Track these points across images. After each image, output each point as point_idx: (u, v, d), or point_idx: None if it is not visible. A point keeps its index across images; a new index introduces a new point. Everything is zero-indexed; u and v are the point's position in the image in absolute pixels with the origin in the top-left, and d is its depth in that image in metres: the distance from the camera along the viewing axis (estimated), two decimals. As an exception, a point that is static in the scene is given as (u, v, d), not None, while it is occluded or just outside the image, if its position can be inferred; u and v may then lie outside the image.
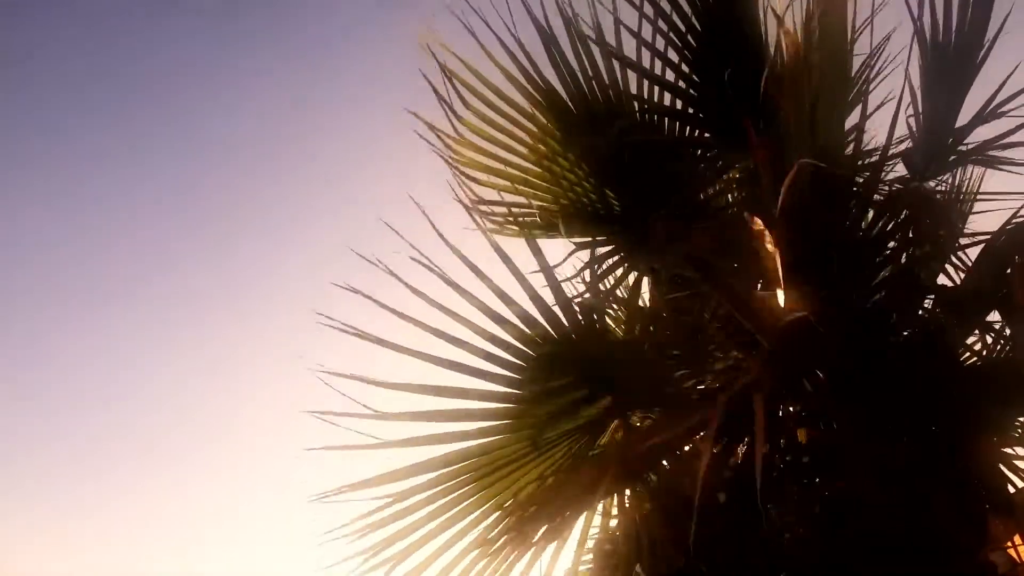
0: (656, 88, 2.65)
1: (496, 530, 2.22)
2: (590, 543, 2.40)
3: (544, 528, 2.24)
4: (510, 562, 2.21)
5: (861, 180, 2.42)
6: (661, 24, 2.53)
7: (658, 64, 2.65)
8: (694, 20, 2.53)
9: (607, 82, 2.61)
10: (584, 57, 2.59)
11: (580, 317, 2.30)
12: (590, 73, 2.60)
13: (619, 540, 2.35)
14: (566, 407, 2.33)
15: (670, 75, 2.64)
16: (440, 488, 2.17)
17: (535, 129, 2.62)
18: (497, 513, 2.21)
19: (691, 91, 2.62)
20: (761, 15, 2.46)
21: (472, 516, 2.22)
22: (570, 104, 2.61)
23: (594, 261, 2.61)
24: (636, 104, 2.65)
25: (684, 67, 2.60)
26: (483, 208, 2.59)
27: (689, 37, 2.54)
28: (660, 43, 2.60)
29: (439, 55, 2.50)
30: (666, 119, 2.69)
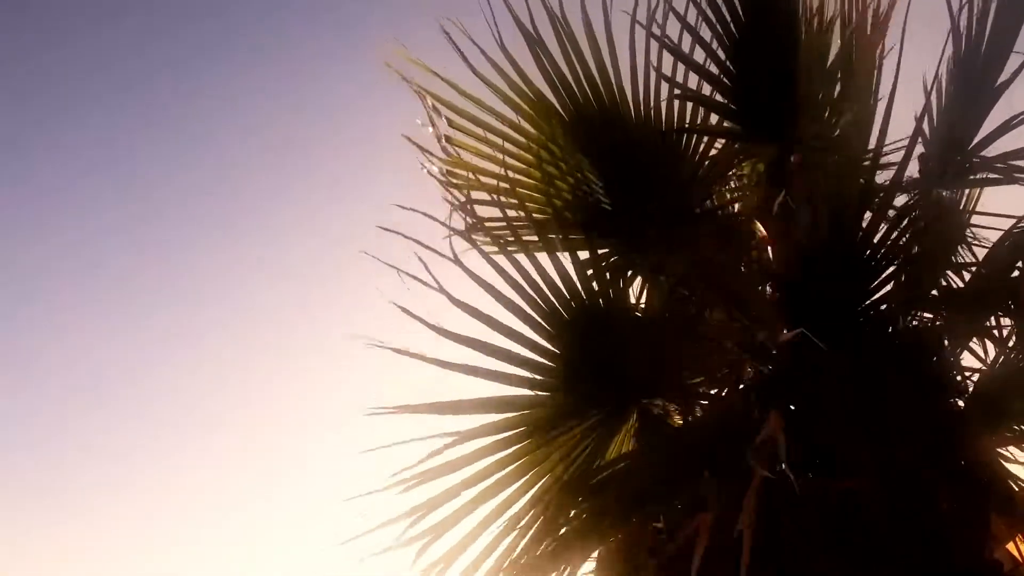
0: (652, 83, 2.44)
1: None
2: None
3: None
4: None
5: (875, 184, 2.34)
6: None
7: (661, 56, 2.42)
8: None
9: (598, 82, 2.39)
10: (574, 57, 2.35)
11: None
12: (580, 74, 2.37)
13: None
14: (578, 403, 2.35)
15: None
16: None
17: (523, 139, 2.43)
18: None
19: (717, 78, 2.42)
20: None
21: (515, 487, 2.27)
22: (560, 109, 2.41)
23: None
24: (631, 101, 2.45)
25: (718, 56, 2.38)
26: (479, 225, 2.41)
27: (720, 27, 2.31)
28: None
29: (417, 74, 2.24)
30: (663, 116, 2.50)
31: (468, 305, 2.16)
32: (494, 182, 2.46)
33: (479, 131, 2.39)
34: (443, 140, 2.33)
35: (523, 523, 2.25)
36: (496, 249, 2.36)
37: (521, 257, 2.22)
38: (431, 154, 2.35)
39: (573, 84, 2.38)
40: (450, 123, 2.34)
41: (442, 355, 2.13)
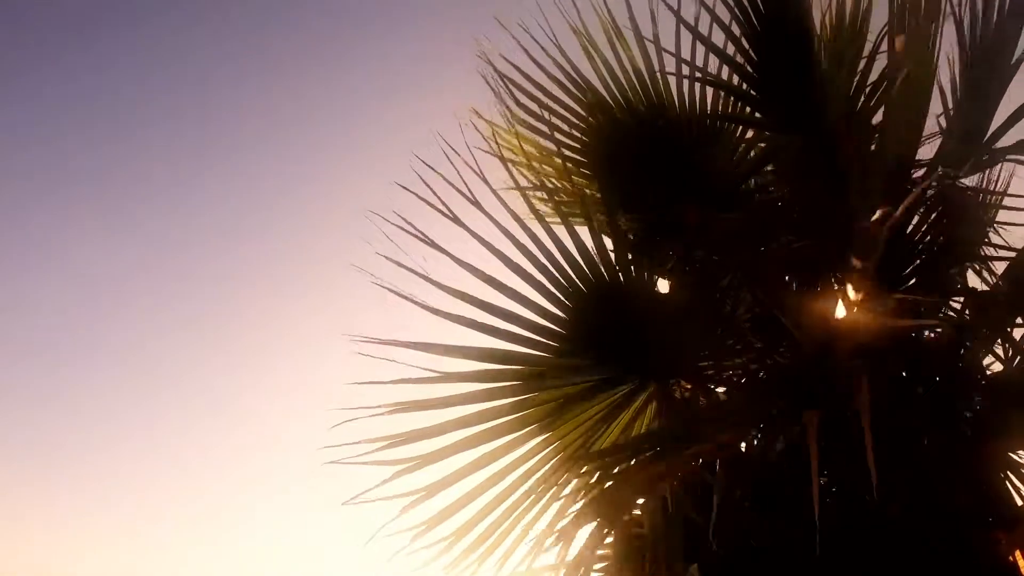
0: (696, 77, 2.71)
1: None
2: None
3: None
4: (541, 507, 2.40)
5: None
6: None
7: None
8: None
9: (646, 77, 2.73)
10: (623, 55, 2.71)
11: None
12: (629, 70, 2.73)
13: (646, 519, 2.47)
14: (596, 382, 2.53)
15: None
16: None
17: (576, 121, 2.80)
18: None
19: (745, 70, 2.61)
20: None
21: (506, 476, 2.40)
22: (608, 99, 2.77)
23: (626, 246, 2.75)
24: (675, 92, 2.73)
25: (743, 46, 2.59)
26: (528, 193, 2.78)
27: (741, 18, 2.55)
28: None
29: (495, 61, 2.72)
30: (697, 107, 2.74)
31: (482, 272, 2.34)
32: (544, 155, 2.86)
33: (534, 106, 2.82)
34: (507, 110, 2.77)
35: (539, 488, 2.38)
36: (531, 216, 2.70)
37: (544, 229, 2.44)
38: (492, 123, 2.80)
39: (620, 76, 2.75)
40: (516, 101, 2.80)
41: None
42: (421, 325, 2.33)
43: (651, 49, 2.70)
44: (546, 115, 2.80)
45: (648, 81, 2.72)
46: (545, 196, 2.80)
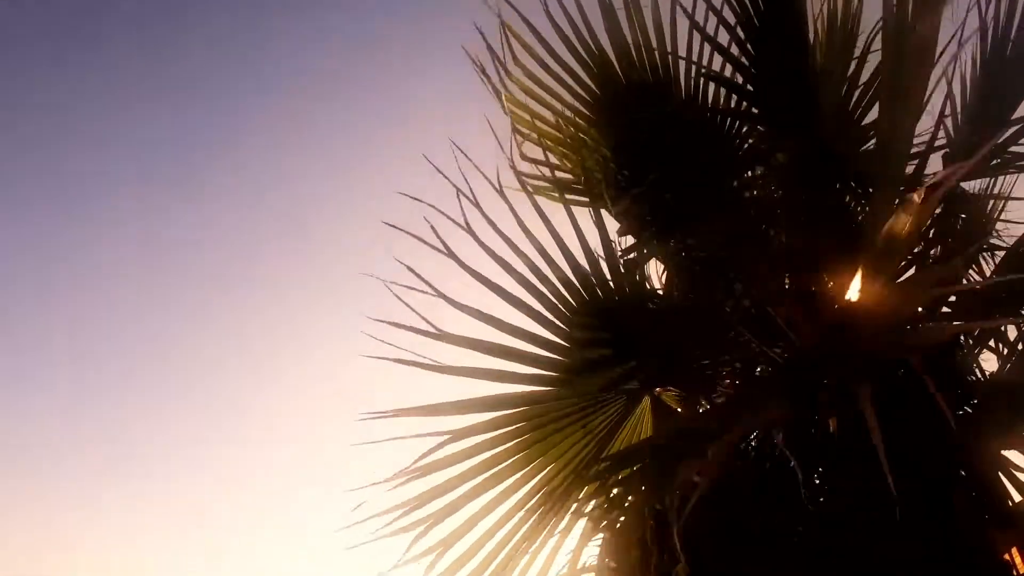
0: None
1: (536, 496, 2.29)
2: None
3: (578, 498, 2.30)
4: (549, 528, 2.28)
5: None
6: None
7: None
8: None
9: (657, 53, 2.59)
10: (636, 24, 2.57)
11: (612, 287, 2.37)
12: (641, 41, 2.58)
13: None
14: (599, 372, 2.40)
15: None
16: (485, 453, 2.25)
17: (582, 92, 2.60)
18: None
19: (743, 64, 2.57)
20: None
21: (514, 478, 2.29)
22: (619, 71, 2.59)
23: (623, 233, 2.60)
24: (683, 77, 2.63)
25: (739, 37, 2.55)
26: (526, 171, 2.54)
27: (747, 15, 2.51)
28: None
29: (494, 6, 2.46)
30: (711, 92, 2.66)
31: (481, 275, 2.25)
32: (544, 127, 2.63)
33: (540, 73, 2.58)
34: (507, 67, 2.51)
35: (530, 505, 2.29)
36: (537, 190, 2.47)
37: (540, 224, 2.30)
38: (488, 78, 2.52)
39: (633, 51, 2.58)
40: (515, 59, 2.54)
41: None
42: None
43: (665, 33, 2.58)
44: (549, 81, 2.58)
45: (660, 65, 2.58)
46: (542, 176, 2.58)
